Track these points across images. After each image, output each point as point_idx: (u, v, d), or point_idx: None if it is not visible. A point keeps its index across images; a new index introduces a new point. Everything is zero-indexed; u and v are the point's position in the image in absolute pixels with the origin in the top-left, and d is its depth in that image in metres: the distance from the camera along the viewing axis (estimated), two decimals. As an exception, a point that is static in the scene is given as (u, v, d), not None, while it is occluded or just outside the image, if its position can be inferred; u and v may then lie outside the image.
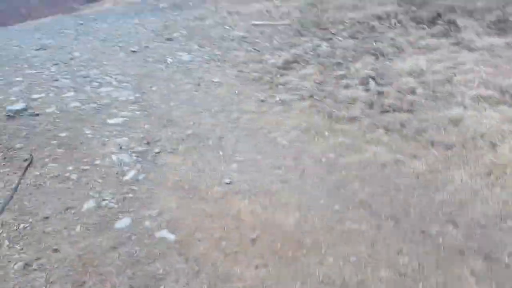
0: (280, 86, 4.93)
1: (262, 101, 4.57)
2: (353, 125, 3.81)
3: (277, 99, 4.56)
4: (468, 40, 5.44)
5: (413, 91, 4.24)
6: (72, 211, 2.67)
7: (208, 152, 3.49)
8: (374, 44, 5.92)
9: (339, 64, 5.37)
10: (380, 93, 4.31)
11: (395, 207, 2.68)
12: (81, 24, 9.39)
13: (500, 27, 5.87)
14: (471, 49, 5.10)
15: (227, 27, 8.19)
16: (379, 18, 7.59)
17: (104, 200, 2.80)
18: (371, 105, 4.11)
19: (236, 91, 4.90)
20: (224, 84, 5.16)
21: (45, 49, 6.90)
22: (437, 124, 3.56)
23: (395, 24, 6.93)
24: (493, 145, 3.15)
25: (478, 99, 3.83)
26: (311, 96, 4.51)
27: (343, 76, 4.92)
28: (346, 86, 4.62)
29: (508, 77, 4.12)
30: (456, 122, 3.55)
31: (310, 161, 3.31)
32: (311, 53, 5.94)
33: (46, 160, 3.20)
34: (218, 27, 8.24)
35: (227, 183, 3.04)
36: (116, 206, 2.76)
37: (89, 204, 2.75)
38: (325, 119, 3.99)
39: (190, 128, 3.93)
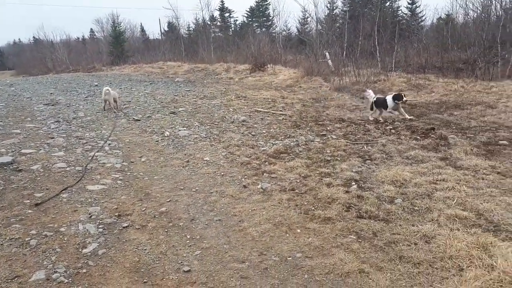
0: (265, 174, 5.02)
1: (245, 186, 4.63)
2: (327, 226, 3.79)
3: (259, 186, 4.62)
4: (455, 157, 5.59)
5: (392, 201, 4.28)
6: (19, 281, 2.61)
7: (175, 234, 3.47)
8: (365, 147, 6.12)
9: (326, 161, 5.51)
10: (359, 197, 4.35)
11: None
12: (96, 85, 9.93)
13: (488, 149, 6.06)
14: (456, 167, 5.21)
15: (231, 109, 8.59)
16: (376, 122, 7.94)
17: (56, 272, 2.75)
18: (348, 208, 4.13)
19: (222, 173, 5.00)
20: (212, 164, 5.28)
21: (53, 105, 7.24)
22: (409, 238, 3.54)
23: (390, 130, 7.21)
24: (460, 269, 3.09)
25: (453, 219, 3.84)
26: (293, 189, 4.57)
27: (327, 174, 5.02)
28: (329, 185, 4.69)
29: (486, 201, 4.16)
30: (427, 239, 3.52)
31: (275, 259, 3.26)
32: (303, 146, 6.13)
33: (12, 220, 3.20)
34: (222, 108, 8.65)
35: (185, 271, 2.98)
36: (66, 281, 2.70)
37: (39, 275, 2.69)
38: (300, 215, 4.00)
39: (164, 205, 3.95)
